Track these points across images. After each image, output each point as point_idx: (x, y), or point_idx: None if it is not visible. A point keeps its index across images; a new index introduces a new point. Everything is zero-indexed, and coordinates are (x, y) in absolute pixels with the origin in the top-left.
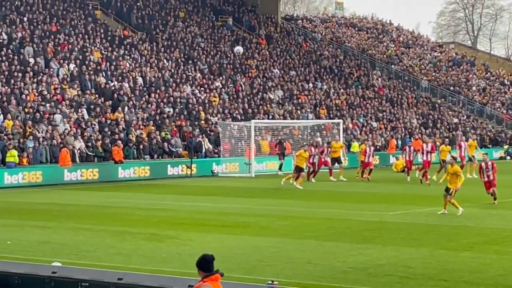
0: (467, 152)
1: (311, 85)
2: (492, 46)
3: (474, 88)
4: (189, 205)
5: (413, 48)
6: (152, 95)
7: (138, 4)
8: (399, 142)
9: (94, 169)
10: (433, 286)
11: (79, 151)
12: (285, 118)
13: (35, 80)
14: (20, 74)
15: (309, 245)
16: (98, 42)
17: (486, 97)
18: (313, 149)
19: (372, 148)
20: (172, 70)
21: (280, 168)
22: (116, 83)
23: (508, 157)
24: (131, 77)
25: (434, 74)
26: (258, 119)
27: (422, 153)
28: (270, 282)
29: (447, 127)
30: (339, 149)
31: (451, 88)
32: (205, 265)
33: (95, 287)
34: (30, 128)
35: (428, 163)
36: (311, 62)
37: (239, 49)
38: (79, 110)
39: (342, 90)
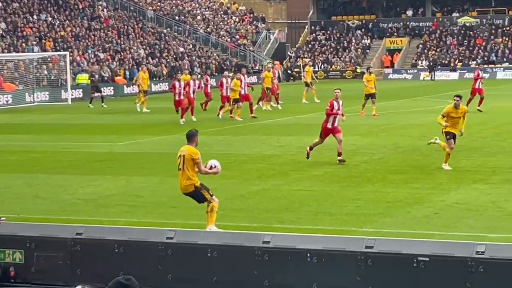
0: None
1: (35, 17)
2: None
3: (199, 17)
4: None
5: None
6: None
7: None
8: (127, 73)
9: None
10: (162, 213)
11: None
12: (9, 52)
13: None
14: None
15: (37, 180)
16: None
17: (210, 26)
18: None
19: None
20: None
21: (90, 102)
22: None
23: None
24: None
25: (159, 4)
26: None
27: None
28: None
29: (174, 56)
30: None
31: (176, 17)
32: None
33: None
34: None
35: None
36: None
37: None
38: None
39: (67, 22)
